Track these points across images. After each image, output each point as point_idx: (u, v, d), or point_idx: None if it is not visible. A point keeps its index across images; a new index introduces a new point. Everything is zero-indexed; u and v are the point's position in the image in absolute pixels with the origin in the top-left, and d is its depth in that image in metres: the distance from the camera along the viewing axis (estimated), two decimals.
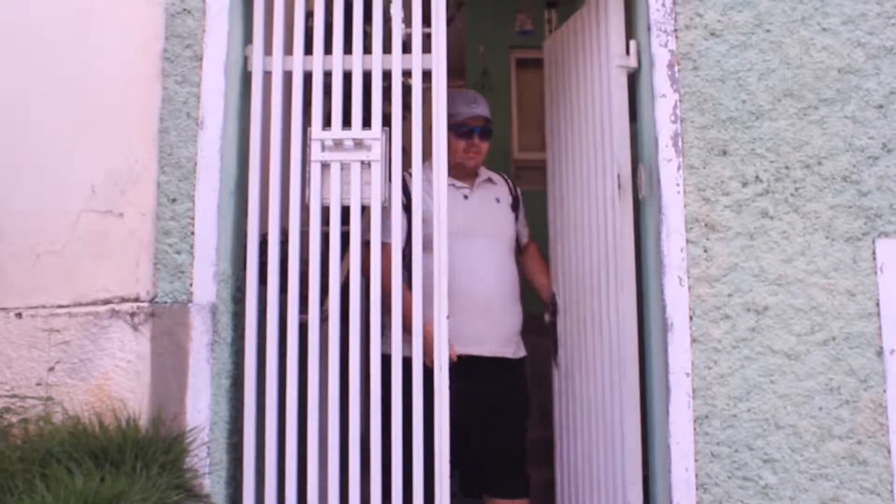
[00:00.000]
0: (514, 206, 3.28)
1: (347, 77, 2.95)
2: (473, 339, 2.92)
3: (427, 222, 2.76)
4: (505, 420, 3.07)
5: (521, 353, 3.10)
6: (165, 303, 2.70)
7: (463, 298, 2.91)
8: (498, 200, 3.20)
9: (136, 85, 2.82)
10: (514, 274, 3.12)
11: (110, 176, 2.78)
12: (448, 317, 2.70)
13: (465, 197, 3.12)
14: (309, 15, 3.01)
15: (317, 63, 2.93)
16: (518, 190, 3.39)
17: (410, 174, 2.91)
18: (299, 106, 2.91)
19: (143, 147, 2.78)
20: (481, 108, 3.21)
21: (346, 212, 2.87)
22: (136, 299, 2.71)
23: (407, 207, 2.86)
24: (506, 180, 3.34)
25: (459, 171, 3.16)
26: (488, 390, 2.98)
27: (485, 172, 3.24)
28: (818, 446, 2.55)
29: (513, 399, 3.09)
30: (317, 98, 2.92)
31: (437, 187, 2.82)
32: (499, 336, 2.98)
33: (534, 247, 3.47)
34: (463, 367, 2.83)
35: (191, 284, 2.70)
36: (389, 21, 3.02)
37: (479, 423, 2.96)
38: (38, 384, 2.65)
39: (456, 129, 3.09)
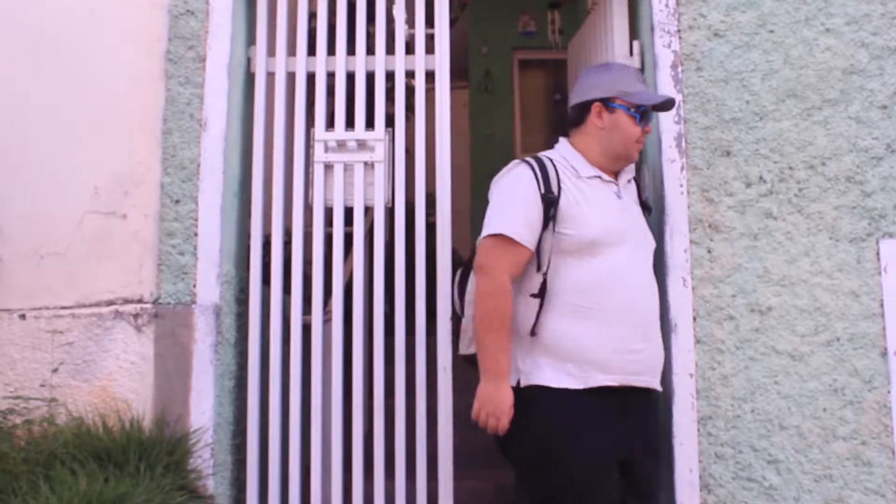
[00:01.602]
0: (645, 211, 2.55)
1: (350, 78, 2.95)
2: (633, 368, 2.29)
3: (577, 221, 2.28)
4: (654, 461, 2.49)
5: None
6: (169, 304, 2.70)
7: (622, 319, 2.27)
8: (636, 203, 2.50)
9: (140, 86, 2.82)
10: (656, 294, 2.43)
11: (114, 177, 2.78)
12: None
13: (619, 196, 2.40)
14: (312, 16, 3.01)
15: (320, 64, 2.93)
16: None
17: (544, 160, 2.37)
18: (302, 107, 2.91)
19: (147, 148, 2.79)
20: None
21: (349, 213, 2.88)
22: (140, 300, 2.71)
23: (552, 201, 2.28)
24: (636, 179, 2.57)
25: (613, 163, 2.41)
26: (644, 427, 2.37)
27: (628, 170, 2.49)
28: (822, 447, 2.54)
29: (656, 439, 2.52)
30: (320, 99, 2.92)
31: (439, 191, 2.82)
32: (654, 364, 2.37)
33: None
34: (616, 401, 2.25)
35: (194, 286, 2.70)
36: (392, 22, 3.02)
37: (639, 466, 2.36)
38: (42, 385, 2.65)
39: (637, 112, 2.38)
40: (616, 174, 2.43)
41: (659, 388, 2.38)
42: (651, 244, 2.44)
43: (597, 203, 2.33)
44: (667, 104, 2.45)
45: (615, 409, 2.23)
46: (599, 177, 2.38)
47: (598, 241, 2.28)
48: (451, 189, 2.86)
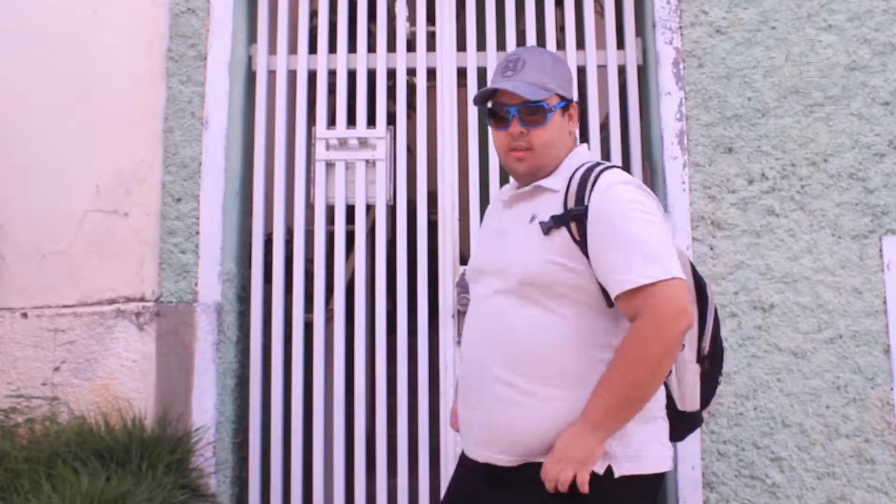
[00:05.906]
0: (560, 223, 1.70)
1: (352, 76, 2.95)
2: (463, 433, 1.81)
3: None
4: None
5: (530, 458, 1.65)
6: (171, 302, 2.70)
7: (461, 382, 1.83)
8: (533, 219, 1.74)
9: (141, 85, 2.82)
10: (517, 335, 1.69)
11: (115, 176, 2.78)
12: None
13: (499, 220, 1.87)
14: (313, 14, 3.00)
15: (321, 62, 2.93)
16: (592, 198, 1.67)
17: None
18: (304, 105, 2.91)
19: (148, 147, 2.78)
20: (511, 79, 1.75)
21: (350, 211, 2.87)
22: (142, 299, 2.71)
23: None
24: (582, 184, 1.71)
25: (518, 179, 1.83)
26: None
27: (553, 178, 1.76)
28: (825, 445, 2.54)
29: None
30: (321, 97, 2.91)
31: (441, 189, 2.82)
32: (483, 435, 1.73)
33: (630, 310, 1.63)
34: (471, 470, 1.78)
35: (196, 284, 2.70)
36: (394, 19, 3.02)
37: None
38: (44, 384, 2.65)
39: (487, 115, 1.80)
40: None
41: (503, 464, 1.68)
42: (510, 273, 1.72)
43: (481, 235, 1.96)
44: (485, 96, 1.78)
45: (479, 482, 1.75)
46: (503, 200, 1.87)
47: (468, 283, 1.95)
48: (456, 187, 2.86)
